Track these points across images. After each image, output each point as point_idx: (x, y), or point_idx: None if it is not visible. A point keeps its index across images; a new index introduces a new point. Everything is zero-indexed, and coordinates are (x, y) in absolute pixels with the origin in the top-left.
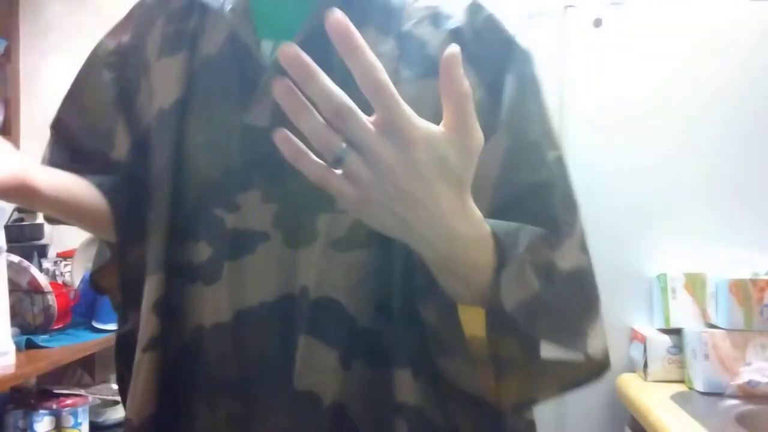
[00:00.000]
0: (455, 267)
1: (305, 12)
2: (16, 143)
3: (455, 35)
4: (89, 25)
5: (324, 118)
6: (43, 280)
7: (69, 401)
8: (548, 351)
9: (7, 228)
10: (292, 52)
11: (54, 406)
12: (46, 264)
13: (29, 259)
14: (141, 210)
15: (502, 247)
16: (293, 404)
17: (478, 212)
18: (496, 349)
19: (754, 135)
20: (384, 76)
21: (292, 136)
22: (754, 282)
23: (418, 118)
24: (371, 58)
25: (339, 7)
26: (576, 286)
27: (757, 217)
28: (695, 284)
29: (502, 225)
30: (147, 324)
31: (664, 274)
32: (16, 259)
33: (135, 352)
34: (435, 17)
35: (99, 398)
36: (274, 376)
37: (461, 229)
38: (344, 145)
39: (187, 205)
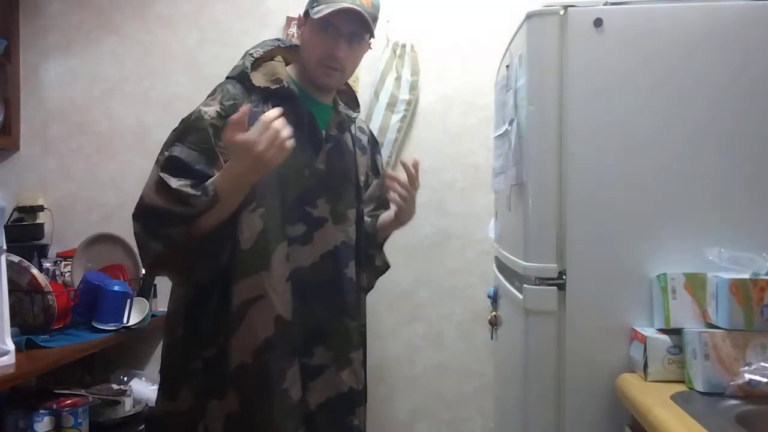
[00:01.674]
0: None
1: (327, 116)
2: (16, 143)
3: (367, 137)
4: (89, 25)
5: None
6: (43, 280)
7: (69, 401)
8: (379, 261)
9: (7, 228)
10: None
11: (54, 406)
12: (46, 264)
13: (29, 259)
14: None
15: None
16: (346, 283)
17: None
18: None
19: (756, 135)
20: (413, 184)
21: (405, 192)
22: (754, 282)
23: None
24: (416, 184)
25: (347, 125)
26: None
27: (758, 217)
28: (695, 284)
29: None
30: (283, 267)
31: (664, 274)
32: (16, 259)
33: (202, 307)
34: (361, 129)
35: (99, 398)
36: (337, 275)
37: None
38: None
39: (289, 205)
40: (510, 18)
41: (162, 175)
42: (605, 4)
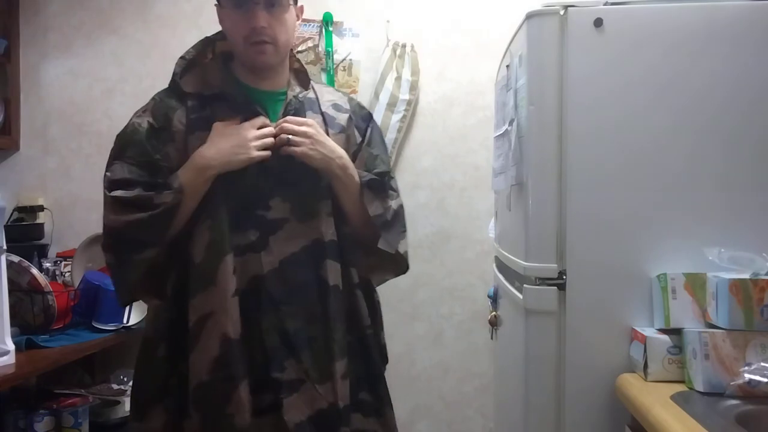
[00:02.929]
0: (346, 180)
1: (279, 105)
2: (16, 143)
3: (347, 115)
4: (89, 25)
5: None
6: (43, 280)
7: (69, 401)
8: (381, 245)
9: (7, 228)
10: (289, 119)
11: (54, 406)
12: (46, 264)
13: (29, 259)
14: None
15: (359, 174)
16: (320, 287)
17: (349, 160)
18: (366, 246)
19: (756, 135)
20: (301, 121)
21: (288, 147)
22: (754, 282)
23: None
24: (300, 121)
25: (293, 108)
26: (397, 216)
27: (758, 217)
28: (695, 284)
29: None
30: (229, 281)
31: (664, 274)
32: (16, 259)
33: (179, 322)
34: (336, 106)
35: (99, 398)
36: (309, 278)
37: (343, 156)
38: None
39: (236, 211)
40: (510, 18)
41: (113, 194)
42: (605, 4)
